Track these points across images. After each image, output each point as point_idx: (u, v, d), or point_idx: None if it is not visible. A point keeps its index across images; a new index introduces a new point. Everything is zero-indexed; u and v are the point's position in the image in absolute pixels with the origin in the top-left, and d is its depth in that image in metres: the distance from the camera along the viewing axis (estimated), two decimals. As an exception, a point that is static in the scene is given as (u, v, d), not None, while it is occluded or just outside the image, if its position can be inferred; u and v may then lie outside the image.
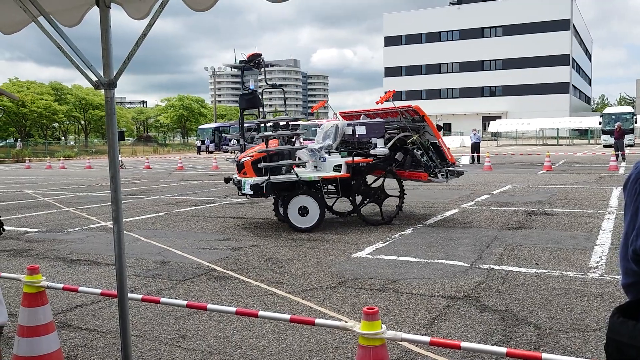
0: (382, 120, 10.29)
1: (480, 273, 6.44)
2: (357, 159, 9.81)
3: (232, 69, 12.61)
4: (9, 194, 18.29)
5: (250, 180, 9.27)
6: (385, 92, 11.64)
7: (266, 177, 9.24)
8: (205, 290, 6.05)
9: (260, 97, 10.08)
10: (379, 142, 9.92)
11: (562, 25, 77.36)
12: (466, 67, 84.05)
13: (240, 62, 10.27)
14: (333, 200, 10.95)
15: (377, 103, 11.18)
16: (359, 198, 10.77)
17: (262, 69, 9.87)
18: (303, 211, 9.41)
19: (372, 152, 9.93)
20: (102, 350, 4.45)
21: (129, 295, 3.48)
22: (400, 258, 7.34)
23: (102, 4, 2.82)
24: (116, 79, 2.77)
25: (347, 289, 5.95)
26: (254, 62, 10.06)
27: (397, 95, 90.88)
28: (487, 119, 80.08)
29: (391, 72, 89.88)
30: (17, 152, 55.69)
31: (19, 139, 65.47)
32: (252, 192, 9.19)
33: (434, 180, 9.93)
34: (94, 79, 2.77)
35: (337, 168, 9.79)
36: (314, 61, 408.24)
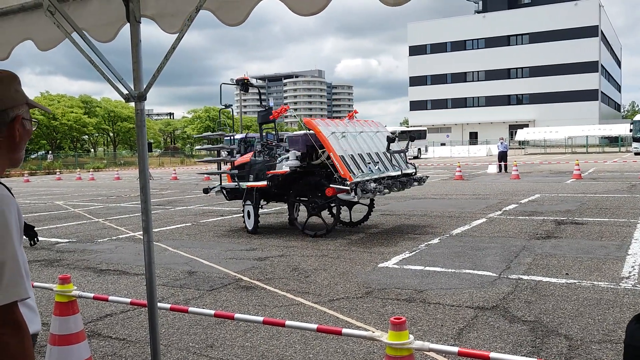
0: (303, 133, 10.12)
1: (508, 283, 6.36)
2: (271, 171, 10.42)
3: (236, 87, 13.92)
4: (41, 205, 18.68)
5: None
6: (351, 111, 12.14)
7: (219, 184, 11.31)
8: (232, 300, 6.08)
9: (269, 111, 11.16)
10: (291, 154, 10.06)
11: (589, 32, 76.30)
12: (492, 75, 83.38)
13: (236, 81, 11.89)
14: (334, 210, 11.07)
15: (348, 117, 11.58)
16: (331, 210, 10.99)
17: (257, 90, 11.99)
18: (247, 214, 10.88)
19: (285, 164, 10.18)
20: (132, 359, 4.50)
21: (158, 304, 3.52)
22: (427, 268, 7.30)
23: (133, 19, 2.88)
24: (146, 92, 2.83)
25: (374, 299, 5.93)
26: (242, 85, 11.65)
27: (422, 104, 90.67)
28: (514, 128, 79.19)
29: (416, 81, 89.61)
30: (48, 165, 56.91)
31: (50, 151, 66.91)
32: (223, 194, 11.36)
33: (343, 197, 9.43)
34: (125, 92, 2.83)
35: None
36: (338, 71, 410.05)
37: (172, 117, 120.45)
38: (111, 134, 78.88)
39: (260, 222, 12.52)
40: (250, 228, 10.82)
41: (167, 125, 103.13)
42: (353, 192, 9.26)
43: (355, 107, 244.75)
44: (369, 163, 10.04)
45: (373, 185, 9.34)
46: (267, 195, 11.05)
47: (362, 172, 9.63)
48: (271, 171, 10.45)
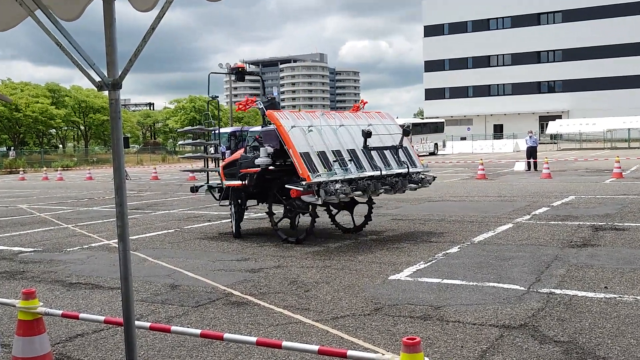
0: (274, 127, 10.15)
1: (539, 298, 6.36)
2: (244, 169, 10.79)
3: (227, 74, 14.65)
4: (1, 209, 18.73)
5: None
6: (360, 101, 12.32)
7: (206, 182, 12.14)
8: (221, 317, 6.09)
9: (279, 103, 11.64)
10: (262, 151, 10.23)
11: (634, 8, 76.13)
12: (520, 59, 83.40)
13: (231, 69, 12.52)
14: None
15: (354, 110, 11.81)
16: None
17: (260, 78, 12.60)
18: (231, 216, 11.59)
19: (256, 162, 10.36)
20: (106, 385, 4.51)
21: (136, 323, 3.52)
22: (445, 281, 7.30)
23: (106, -6, 2.89)
24: (121, 79, 2.84)
25: (384, 316, 5.93)
26: (237, 73, 12.25)
27: (439, 92, 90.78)
28: (544, 119, 79.18)
29: (432, 66, 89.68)
30: (10, 162, 57.04)
31: (12, 148, 67.04)
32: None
33: (307, 200, 9.57)
34: (97, 79, 2.83)
35: None
36: (343, 55, 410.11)
37: (152, 107, 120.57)
38: (82, 128, 79.07)
39: (253, 226, 12.55)
40: (234, 231, 11.31)
41: (146, 118, 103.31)
42: (316, 194, 9.37)
43: (362, 96, 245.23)
44: (351, 160, 10.13)
45: (338, 186, 9.45)
46: (253, 195, 11.33)
47: (332, 170, 9.72)
48: (244, 169, 10.71)
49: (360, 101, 12.61)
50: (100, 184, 31.29)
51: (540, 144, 42.59)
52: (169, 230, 12.65)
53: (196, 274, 8.17)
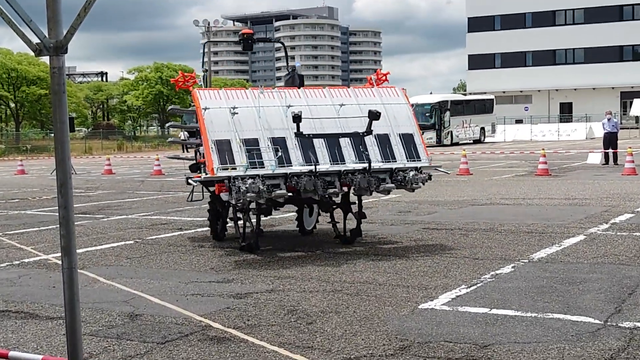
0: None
1: (619, 335, 6.35)
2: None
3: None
4: None
5: None
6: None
7: None
8: (197, 358, 6.09)
9: (298, 76, 12.26)
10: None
11: None
12: (595, 15, 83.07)
13: (240, 37, 13.12)
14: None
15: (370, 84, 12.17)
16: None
17: (282, 46, 13.95)
18: None
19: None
20: None
21: (84, 363, 3.55)
22: (495, 311, 7.29)
23: None
24: (67, 41, 2.84)
25: (412, 357, 5.93)
26: (244, 42, 12.78)
27: (487, 60, 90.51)
28: (628, 96, 78.92)
29: (478, 24, 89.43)
30: None
31: None
32: None
33: (224, 198, 10.36)
34: (35, 40, 2.84)
35: None
36: (359, 9, 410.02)
37: (104, 78, 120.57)
38: (12, 105, 79.18)
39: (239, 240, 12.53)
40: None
41: (97, 92, 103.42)
42: (229, 192, 10.05)
43: (384, 63, 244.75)
44: (278, 150, 10.61)
45: (249, 182, 9.88)
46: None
47: (255, 163, 10.32)
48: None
49: (376, 72, 12.58)
50: (36, 180, 31.34)
51: (622, 129, 42.42)
52: (127, 242, 12.66)
53: (163, 300, 8.17)
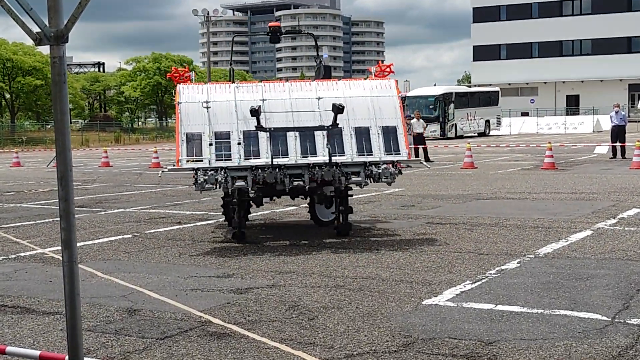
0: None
1: (627, 331, 6.35)
2: None
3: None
4: None
5: None
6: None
7: None
8: (196, 354, 6.10)
9: (324, 67, 12.99)
10: None
11: None
12: (603, 5, 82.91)
13: (269, 29, 13.66)
14: None
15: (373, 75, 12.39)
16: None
17: (313, 37, 14.38)
18: None
19: None
20: None
21: None
22: (500, 307, 7.29)
23: None
24: (68, 30, 2.83)
25: (416, 354, 5.94)
26: (272, 35, 13.37)
27: (493, 51, 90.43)
28: (636, 89, 78.84)
29: (483, 14, 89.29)
30: None
31: None
32: None
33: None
34: (35, 29, 2.83)
35: None
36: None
37: (101, 69, 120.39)
38: (7, 96, 79.13)
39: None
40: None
41: (94, 82, 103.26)
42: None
43: (387, 54, 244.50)
44: (240, 144, 11.15)
45: (210, 173, 10.70)
46: None
47: (222, 156, 11.02)
48: None
49: (378, 64, 12.57)
50: (32, 172, 31.35)
51: (630, 121, 42.37)
52: (125, 236, 12.67)
53: (162, 295, 8.18)
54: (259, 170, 10.86)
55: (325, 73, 13.19)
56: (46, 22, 2.85)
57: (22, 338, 6.75)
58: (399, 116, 11.62)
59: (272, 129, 11.20)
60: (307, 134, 11.25)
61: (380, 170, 11.06)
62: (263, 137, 11.20)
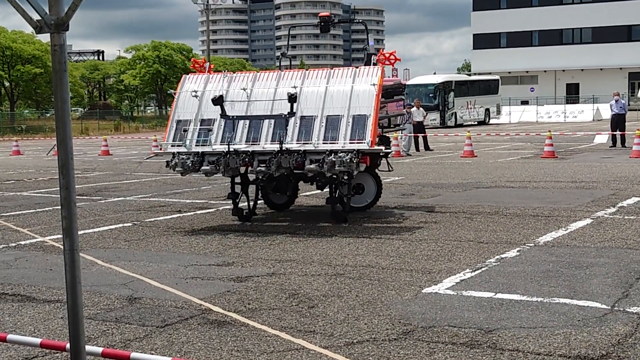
0: None
1: (626, 320, 6.37)
2: None
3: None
4: None
5: None
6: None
7: None
8: (196, 342, 6.13)
9: (367, 55, 13.47)
10: None
11: None
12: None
13: (320, 19, 14.13)
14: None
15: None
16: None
17: (364, 26, 16.51)
18: None
19: None
20: None
21: (86, 348, 3.57)
22: (500, 295, 7.31)
23: None
24: (69, 17, 2.83)
25: (416, 342, 5.96)
26: (323, 24, 13.88)
27: (493, 39, 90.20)
28: (636, 77, 78.71)
29: (484, 2, 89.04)
30: None
31: None
32: None
33: None
34: (36, 17, 2.83)
35: None
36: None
37: (101, 57, 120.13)
38: (7, 84, 78.98)
39: (240, 223, 12.55)
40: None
41: (93, 71, 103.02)
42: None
43: (387, 42, 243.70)
44: (210, 131, 11.98)
45: (181, 157, 11.64)
46: None
47: (196, 142, 11.91)
48: None
49: (379, 52, 12.54)
50: (32, 161, 31.33)
51: (630, 110, 42.33)
52: (125, 224, 12.70)
53: (162, 283, 8.20)
54: (228, 156, 11.43)
55: (367, 61, 13.34)
56: (46, 10, 2.85)
57: (22, 326, 6.77)
58: (372, 105, 11.59)
59: (234, 117, 12.01)
60: (279, 122, 11.81)
61: (328, 160, 11.03)
62: (242, 125, 11.98)
